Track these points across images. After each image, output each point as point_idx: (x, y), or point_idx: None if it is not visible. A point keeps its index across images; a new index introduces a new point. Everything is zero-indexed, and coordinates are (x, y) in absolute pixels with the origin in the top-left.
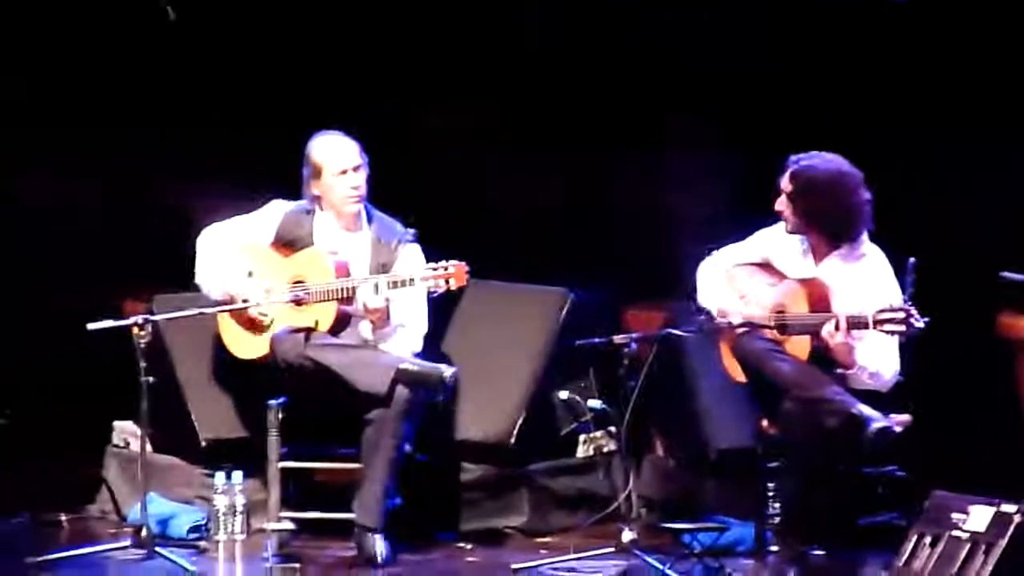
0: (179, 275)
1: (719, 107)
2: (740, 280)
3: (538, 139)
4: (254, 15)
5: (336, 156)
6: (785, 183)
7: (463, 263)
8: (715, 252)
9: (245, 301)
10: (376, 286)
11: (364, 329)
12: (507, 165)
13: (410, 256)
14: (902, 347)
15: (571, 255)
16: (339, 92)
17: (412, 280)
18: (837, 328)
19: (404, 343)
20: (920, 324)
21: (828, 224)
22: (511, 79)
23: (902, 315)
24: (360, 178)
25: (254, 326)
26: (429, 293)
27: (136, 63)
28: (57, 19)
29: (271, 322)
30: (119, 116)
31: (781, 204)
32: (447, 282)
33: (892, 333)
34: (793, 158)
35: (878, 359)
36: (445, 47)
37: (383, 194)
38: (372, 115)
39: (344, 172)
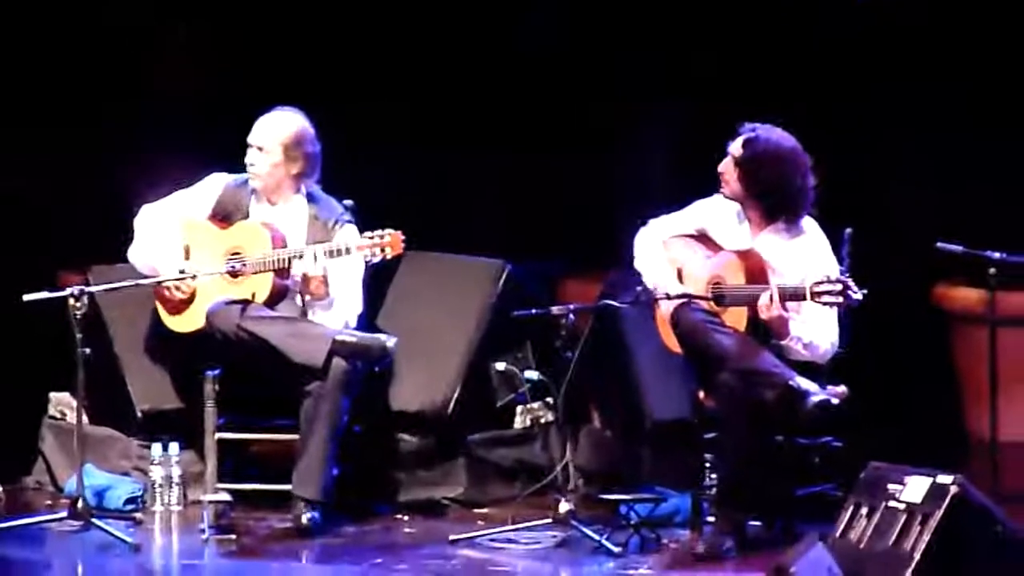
0: (117, 246)
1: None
2: (676, 251)
3: (478, 120)
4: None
5: (254, 128)
6: (736, 147)
7: (399, 232)
8: (651, 222)
9: (182, 272)
10: (315, 255)
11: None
12: (446, 140)
13: (347, 236)
14: (840, 319)
15: (509, 226)
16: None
17: (348, 249)
18: (771, 301)
19: (339, 315)
20: (858, 296)
21: (768, 198)
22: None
23: (839, 287)
24: (255, 158)
25: (188, 299)
26: (366, 263)
27: (77, 38)
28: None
29: (194, 291)
30: (58, 92)
31: (725, 167)
32: (383, 251)
33: (830, 305)
34: (748, 125)
35: (813, 330)
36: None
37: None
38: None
39: (249, 146)
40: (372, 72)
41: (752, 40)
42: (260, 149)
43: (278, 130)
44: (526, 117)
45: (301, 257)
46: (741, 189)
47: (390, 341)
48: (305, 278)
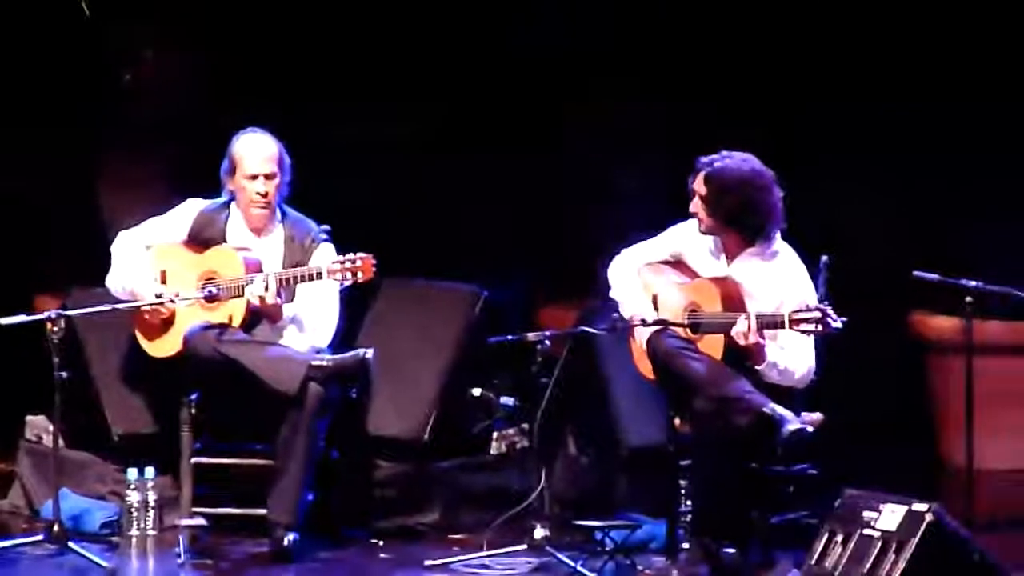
0: (94, 270)
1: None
2: (651, 278)
3: (450, 140)
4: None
5: (250, 158)
6: (699, 185)
7: (369, 255)
8: (624, 252)
9: (158, 296)
10: (265, 281)
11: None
12: (420, 165)
13: (323, 255)
14: (816, 346)
15: (485, 253)
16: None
17: (319, 273)
18: (748, 328)
19: (308, 339)
20: (837, 324)
21: (743, 224)
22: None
23: (818, 315)
24: (268, 186)
25: (165, 324)
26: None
27: (52, 62)
28: None
29: (172, 315)
30: (37, 117)
31: (696, 207)
32: (354, 275)
33: (808, 333)
34: (704, 159)
35: (789, 356)
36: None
37: (301, 193)
38: (292, 114)
39: (254, 177)
40: (345, 83)
41: (728, 57)
42: (269, 177)
43: (272, 150)
44: (508, 124)
45: (252, 283)
46: (715, 222)
47: (367, 353)
48: (262, 301)
